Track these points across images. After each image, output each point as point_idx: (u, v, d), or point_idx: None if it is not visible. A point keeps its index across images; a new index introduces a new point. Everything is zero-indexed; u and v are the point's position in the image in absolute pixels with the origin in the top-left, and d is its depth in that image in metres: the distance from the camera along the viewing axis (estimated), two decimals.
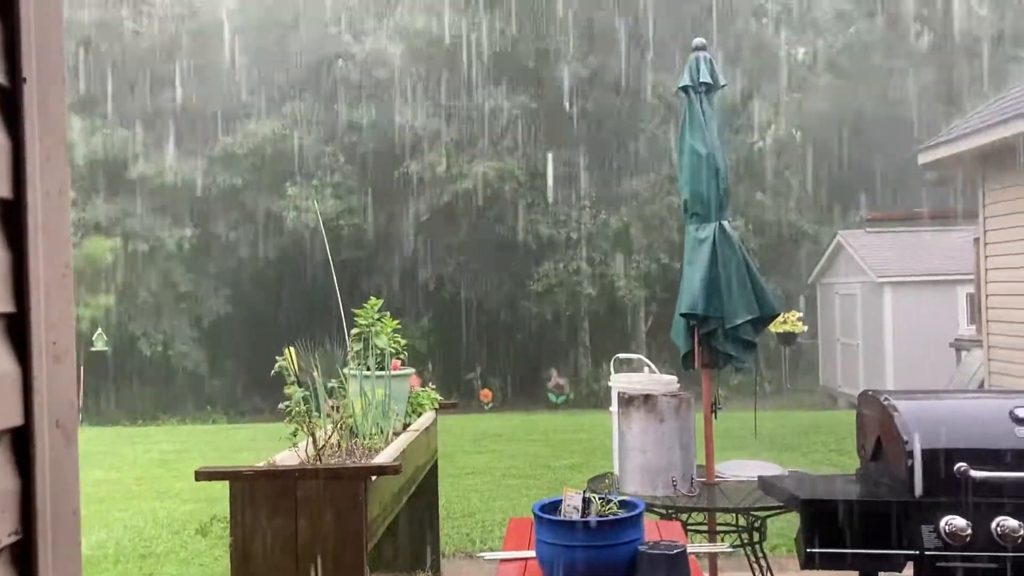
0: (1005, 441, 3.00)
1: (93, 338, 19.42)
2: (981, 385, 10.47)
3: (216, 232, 22.33)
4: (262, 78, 23.46)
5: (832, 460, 9.55)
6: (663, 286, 21.31)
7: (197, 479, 3.13)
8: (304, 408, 3.44)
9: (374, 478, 3.28)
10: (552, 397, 22.18)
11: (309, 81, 23.33)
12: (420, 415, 4.69)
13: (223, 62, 22.60)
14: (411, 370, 4.48)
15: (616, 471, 4.52)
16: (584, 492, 2.81)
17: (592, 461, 9.19)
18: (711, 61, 4.60)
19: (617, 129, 23.22)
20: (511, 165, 21.26)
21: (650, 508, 4.06)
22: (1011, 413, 3.06)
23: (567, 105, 22.25)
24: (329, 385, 3.82)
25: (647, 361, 5.17)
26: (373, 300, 4.24)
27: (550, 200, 22.01)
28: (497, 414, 19.38)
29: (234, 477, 3.10)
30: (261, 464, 3.33)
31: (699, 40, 4.64)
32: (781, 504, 3.64)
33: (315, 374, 3.71)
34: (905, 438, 3.02)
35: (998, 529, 2.87)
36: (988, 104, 10.49)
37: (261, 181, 22.21)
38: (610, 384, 4.92)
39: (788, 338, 13.19)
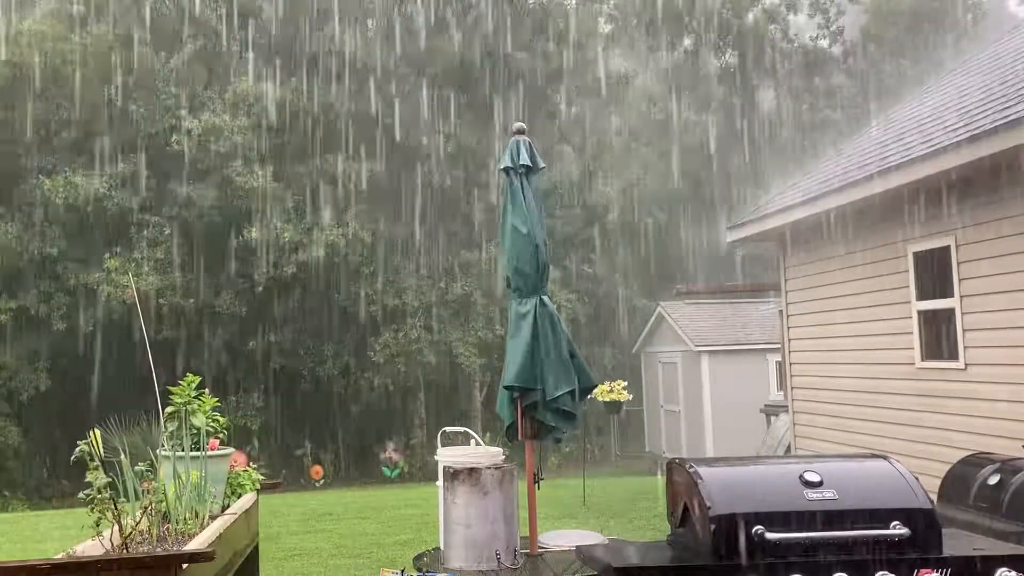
0: (796, 504, 3.24)
1: None
2: (788, 448, 11.17)
3: (28, 303, 20.75)
4: (88, 139, 22.36)
5: (656, 525, 9.85)
6: (499, 356, 21.58)
7: None
8: (109, 494, 3.26)
9: (186, 566, 3.13)
10: (386, 471, 21.82)
11: (139, 146, 22.37)
12: (240, 496, 4.52)
13: (47, 119, 21.36)
14: (230, 450, 4.34)
15: (442, 546, 4.52)
16: (403, 570, 2.81)
17: (423, 536, 9.08)
18: (530, 144, 4.82)
19: (458, 201, 23.61)
20: (351, 234, 20.95)
21: None
22: (801, 477, 3.31)
23: (408, 176, 22.47)
24: (137, 468, 3.64)
25: (473, 433, 5.23)
26: (189, 377, 4.10)
27: (391, 269, 21.98)
28: (329, 491, 18.82)
29: (27, 572, 2.88)
30: (59, 556, 3.11)
31: (519, 124, 4.86)
32: (597, 573, 3.74)
33: (123, 457, 3.52)
34: (708, 504, 3.20)
35: None
36: (788, 187, 11.45)
37: (79, 250, 20.96)
38: (437, 458, 4.94)
39: (615, 406, 13.58)
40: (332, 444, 22.90)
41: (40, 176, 20.57)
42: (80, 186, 20.10)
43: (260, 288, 21.12)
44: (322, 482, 20.76)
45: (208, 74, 22.54)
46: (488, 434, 19.57)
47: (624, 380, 13.53)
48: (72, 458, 3.30)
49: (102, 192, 20.37)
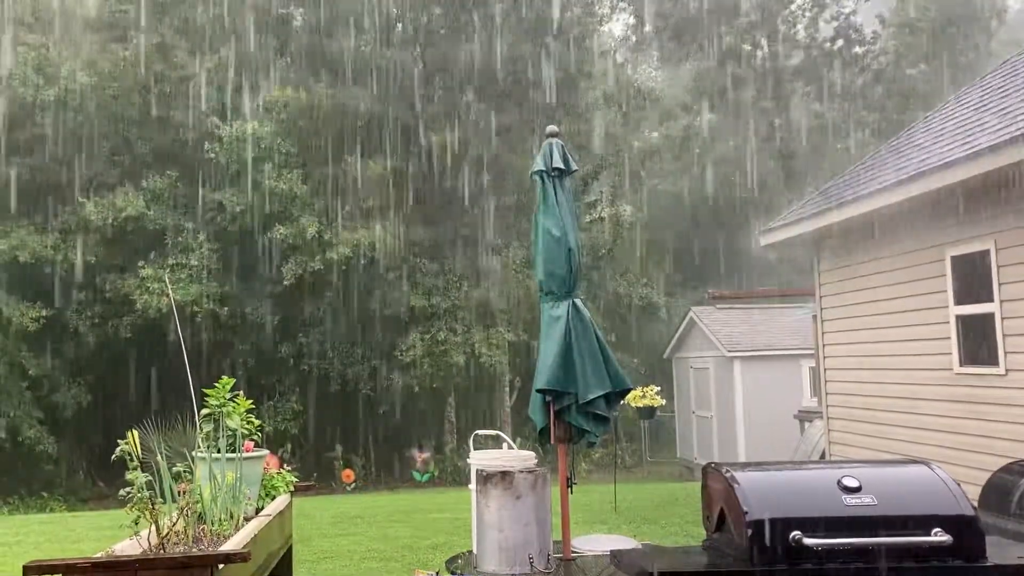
0: (834, 509, 3.20)
1: None
2: (823, 455, 11.03)
3: (66, 309, 21.02)
4: (120, 149, 22.66)
5: (688, 531, 9.77)
6: (527, 360, 21.53)
7: (25, 574, 2.93)
8: (147, 494, 3.30)
9: (221, 566, 3.16)
10: (416, 475, 21.85)
11: (171, 156, 22.62)
12: (274, 498, 4.55)
13: (80, 132, 21.65)
14: (264, 452, 4.37)
15: (475, 550, 4.51)
16: (438, 573, 2.81)
17: (455, 540, 9.08)
18: (564, 147, 4.81)
19: (483, 204, 23.61)
20: (377, 237, 20.99)
21: None
22: (839, 483, 3.27)
23: (434, 179, 22.51)
24: (175, 469, 3.67)
25: (505, 437, 5.22)
26: (224, 379, 4.13)
27: (417, 272, 22.03)
28: (360, 494, 18.90)
29: (67, 570, 2.91)
30: (98, 554, 3.15)
31: (552, 127, 4.85)
32: None
33: (159, 458, 3.56)
34: (745, 509, 3.17)
35: None
36: (821, 190, 11.32)
37: (116, 258, 21.22)
38: (469, 461, 4.93)
39: (647, 412, 13.52)
40: (363, 448, 22.98)
41: (78, 192, 20.85)
42: (119, 207, 20.35)
43: (290, 292, 21.25)
44: (353, 486, 20.84)
45: (239, 80, 22.74)
46: (519, 438, 19.54)
47: (656, 386, 13.46)
48: (113, 457, 3.34)
49: (139, 210, 20.58)
